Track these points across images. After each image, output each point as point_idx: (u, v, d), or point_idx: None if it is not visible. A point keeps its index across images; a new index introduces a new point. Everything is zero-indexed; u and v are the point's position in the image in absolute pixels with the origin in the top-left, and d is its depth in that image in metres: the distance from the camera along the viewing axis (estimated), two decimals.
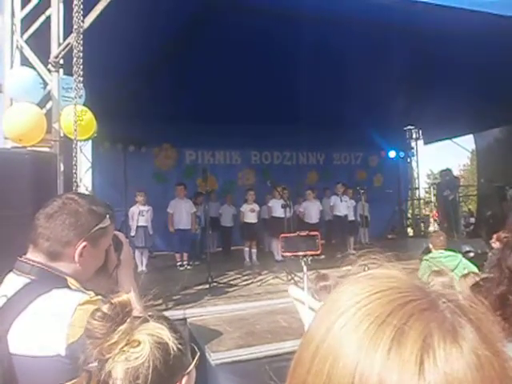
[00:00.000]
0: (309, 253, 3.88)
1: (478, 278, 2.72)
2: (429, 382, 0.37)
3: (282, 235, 4.18)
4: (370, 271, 0.50)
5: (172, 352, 0.81)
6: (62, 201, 1.26)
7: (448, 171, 11.79)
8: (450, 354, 0.38)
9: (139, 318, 0.83)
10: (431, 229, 13.43)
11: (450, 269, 4.30)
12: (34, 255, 1.22)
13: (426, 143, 14.32)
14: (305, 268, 3.79)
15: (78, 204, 1.25)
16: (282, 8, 7.44)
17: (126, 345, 0.79)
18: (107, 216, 1.31)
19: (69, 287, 1.19)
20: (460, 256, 4.69)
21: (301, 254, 3.89)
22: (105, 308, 0.82)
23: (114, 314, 0.82)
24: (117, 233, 1.47)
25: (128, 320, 0.82)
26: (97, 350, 0.79)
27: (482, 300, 0.46)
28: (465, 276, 3.26)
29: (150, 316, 0.84)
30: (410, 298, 0.43)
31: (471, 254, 5.89)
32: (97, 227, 1.26)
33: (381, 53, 8.71)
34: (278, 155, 12.58)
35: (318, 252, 4.02)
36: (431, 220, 15.06)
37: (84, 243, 1.23)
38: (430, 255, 4.74)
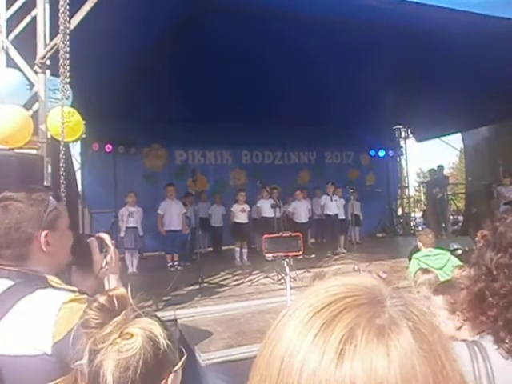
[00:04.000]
0: (290, 254, 3.90)
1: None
2: (345, 369, 0.39)
3: (265, 236, 4.20)
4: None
5: (162, 348, 0.84)
6: (0, 205, 1.24)
7: (439, 168, 11.89)
8: (372, 346, 0.39)
9: (134, 312, 0.85)
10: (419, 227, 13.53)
11: (439, 267, 4.36)
12: (4, 263, 1.22)
13: (418, 141, 14.40)
14: (287, 268, 3.82)
15: (17, 201, 1.24)
16: (271, 9, 7.46)
17: (118, 336, 0.81)
18: (51, 198, 1.31)
19: (51, 286, 1.20)
20: (449, 254, 4.75)
21: (282, 254, 3.93)
22: (102, 299, 0.84)
23: (111, 305, 0.84)
24: (102, 235, 1.48)
25: (123, 313, 0.84)
26: (91, 340, 0.81)
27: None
28: (460, 267, 3.31)
29: (143, 312, 0.87)
30: (355, 292, 0.44)
31: (459, 252, 5.95)
32: (46, 213, 1.26)
33: (370, 53, 8.78)
34: (269, 154, 12.56)
35: (300, 253, 4.05)
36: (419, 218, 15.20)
37: (44, 232, 1.24)
38: (420, 253, 4.78)
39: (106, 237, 1.48)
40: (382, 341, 0.40)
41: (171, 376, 0.89)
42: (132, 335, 0.81)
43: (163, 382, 0.87)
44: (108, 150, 10.09)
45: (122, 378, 0.79)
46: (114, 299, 0.85)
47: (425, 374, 0.40)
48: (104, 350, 0.80)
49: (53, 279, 1.22)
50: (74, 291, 1.20)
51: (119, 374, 0.79)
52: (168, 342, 0.85)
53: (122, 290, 0.88)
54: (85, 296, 1.18)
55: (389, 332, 0.41)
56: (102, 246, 1.44)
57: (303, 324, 0.43)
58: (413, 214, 15.09)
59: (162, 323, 0.90)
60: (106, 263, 1.42)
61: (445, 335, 0.45)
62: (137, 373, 0.80)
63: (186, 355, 0.94)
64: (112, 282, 1.42)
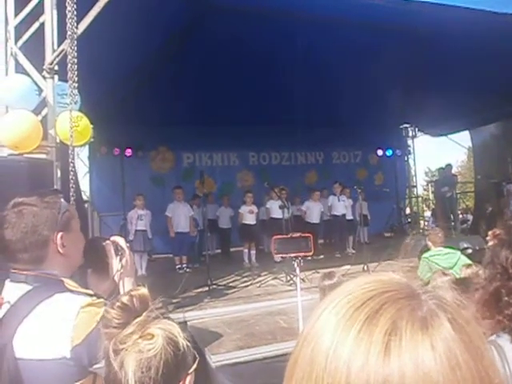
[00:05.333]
0: (300, 254, 3.88)
1: (478, 269, 2.74)
2: (393, 361, 0.39)
3: (275, 237, 4.18)
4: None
5: (181, 349, 0.84)
6: (13, 211, 1.24)
7: (448, 167, 11.80)
8: (417, 338, 0.40)
9: (154, 312, 0.86)
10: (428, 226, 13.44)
11: (449, 266, 4.32)
12: (21, 268, 1.23)
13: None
14: (297, 269, 3.80)
15: (30, 205, 1.25)
16: (277, 10, 7.47)
17: (140, 337, 0.81)
18: (62, 200, 1.33)
19: (69, 290, 1.21)
20: (459, 253, 4.70)
21: (292, 255, 3.91)
22: (125, 299, 0.85)
23: (133, 305, 0.85)
24: (118, 238, 1.48)
25: (145, 313, 0.84)
26: (112, 341, 0.81)
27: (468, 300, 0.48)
28: (467, 266, 3.27)
29: (161, 314, 0.87)
30: (391, 288, 0.45)
31: (469, 251, 5.90)
32: (60, 215, 1.27)
33: (376, 52, 8.74)
34: (276, 155, 12.56)
35: (310, 253, 4.03)
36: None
37: (60, 234, 1.25)
38: (429, 253, 4.74)
39: (120, 240, 1.48)
40: (427, 332, 0.41)
41: (188, 378, 0.89)
42: (153, 336, 0.82)
43: (181, 383, 0.87)
44: (116, 154, 10.15)
45: (143, 378, 0.79)
46: (136, 299, 0.85)
47: (468, 364, 0.41)
48: (125, 350, 0.80)
49: (69, 282, 1.23)
50: (91, 295, 1.21)
51: (141, 374, 0.79)
52: (187, 343, 0.86)
53: (143, 290, 0.88)
54: (102, 300, 1.19)
55: (431, 323, 0.42)
56: (117, 249, 1.44)
57: (345, 320, 0.43)
58: (423, 213, 14.99)
59: (180, 325, 0.90)
60: (122, 266, 1.43)
61: (478, 327, 0.46)
62: (158, 373, 0.80)
63: (198, 358, 0.94)
64: (127, 285, 1.42)
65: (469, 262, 4.31)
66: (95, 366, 1.10)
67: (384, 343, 0.40)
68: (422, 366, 0.39)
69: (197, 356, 0.94)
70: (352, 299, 0.45)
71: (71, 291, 1.20)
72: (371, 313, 0.42)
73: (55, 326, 1.11)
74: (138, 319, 0.83)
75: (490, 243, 4.08)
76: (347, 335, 0.42)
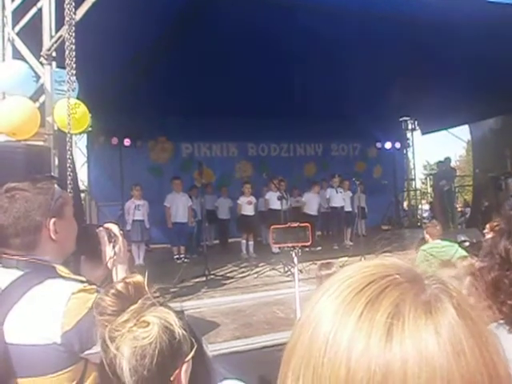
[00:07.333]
0: (299, 244, 3.88)
1: (474, 261, 2.74)
2: (395, 346, 0.38)
3: (273, 227, 4.17)
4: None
5: (177, 337, 0.84)
6: (6, 195, 1.23)
7: (447, 160, 11.80)
8: (420, 323, 0.39)
9: (150, 300, 0.84)
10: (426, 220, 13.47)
11: (446, 259, 4.33)
12: (13, 253, 1.22)
13: (423, 133, 14.31)
14: (295, 259, 3.79)
15: (23, 190, 1.23)
16: None
17: (134, 324, 0.80)
18: (55, 185, 1.31)
19: (61, 276, 1.20)
20: (456, 246, 4.71)
21: (290, 245, 3.90)
22: (119, 286, 0.84)
23: (128, 292, 0.84)
24: (111, 225, 1.47)
25: (140, 301, 0.83)
26: (107, 328, 0.80)
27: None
28: (462, 258, 3.28)
29: (158, 302, 0.87)
30: (393, 272, 0.44)
31: (467, 244, 5.92)
32: (53, 201, 1.26)
33: (377, 44, 8.69)
34: (275, 147, 12.54)
35: (309, 243, 4.03)
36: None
37: (53, 220, 1.24)
38: (427, 245, 4.76)
39: (114, 227, 1.47)
40: (430, 317, 0.40)
41: (184, 366, 0.88)
42: (148, 323, 0.81)
43: (177, 371, 0.86)
44: (114, 143, 10.09)
45: (138, 366, 0.78)
46: (131, 286, 0.84)
47: (472, 349, 0.40)
48: (120, 337, 0.79)
49: (61, 269, 1.22)
50: (82, 281, 1.20)
51: (135, 362, 0.78)
52: (183, 331, 0.85)
53: (138, 278, 0.87)
54: (94, 286, 1.19)
55: (435, 308, 0.41)
56: (111, 236, 1.43)
57: (346, 303, 0.42)
58: (420, 207, 15.03)
59: (176, 313, 0.89)
60: (115, 253, 1.41)
61: (483, 312, 0.45)
62: (153, 361, 0.79)
63: (196, 346, 0.94)
64: (120, 272, 1.41)
65: (466, 255, 4.33)
66: (86, 352, 1.09)
67: (386, 328, 0.39)
68: (425, 352, 0.38)
69: (194, 344, 0.93)
70: (352, 283, 0.43)
71: (63, 277, 1.19)
72: (373, 297, 0.41)
73: (46, 311, 1.10)
74: (133, 306, 0.82)
75: (488, 236, 4.10)
76: (348, 320, 0.41)
